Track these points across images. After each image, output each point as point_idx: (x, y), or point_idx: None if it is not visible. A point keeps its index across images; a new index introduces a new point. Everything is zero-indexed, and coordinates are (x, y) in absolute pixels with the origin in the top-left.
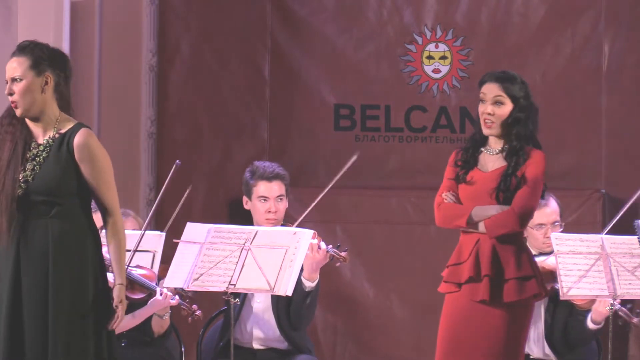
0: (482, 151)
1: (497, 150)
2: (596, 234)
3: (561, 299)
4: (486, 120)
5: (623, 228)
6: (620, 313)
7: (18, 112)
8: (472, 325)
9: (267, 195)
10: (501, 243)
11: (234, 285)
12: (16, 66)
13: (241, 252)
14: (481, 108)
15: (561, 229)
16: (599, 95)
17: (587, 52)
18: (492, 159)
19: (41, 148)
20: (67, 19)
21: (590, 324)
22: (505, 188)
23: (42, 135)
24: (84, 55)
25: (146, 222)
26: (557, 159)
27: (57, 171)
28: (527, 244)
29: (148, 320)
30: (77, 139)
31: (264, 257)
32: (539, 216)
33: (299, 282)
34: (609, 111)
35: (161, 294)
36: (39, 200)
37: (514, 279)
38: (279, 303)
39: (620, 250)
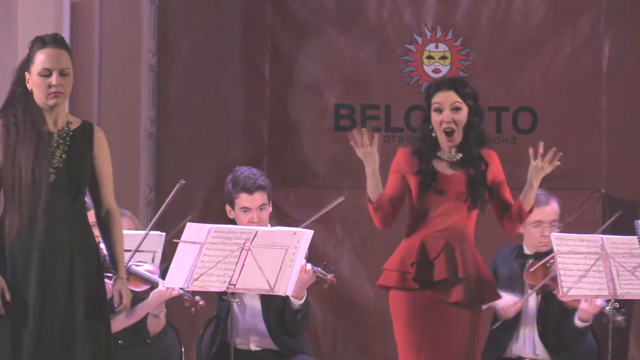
0: (437, 156)
1: (452, 156)
2: (596, 233)
3: (561, 299)
4: (446, 130)
5: (623, 228)
6: (605, 311)
7: (55, 101)
8: (444, 327)
9: (249, 206)
10: (470, 245)
11: (234, 285)
12: (64, 59)
13: (241, 252)
14: (438, 117)
15: (559, 231)
16: (599, 95)
17: (587, 52)
18: (448, 164)
19: (60, 136)
20: (67, 19)
21: (577, 322)
22: (476, 199)
23: (54, 124)
24: (84, 55)
25: (151, 224)
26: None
27: (82, 160)
28: (523, 242)
29: (143, 320)
30: (98, 134)
31: (264, 257)
32: (538, 213)
33: (289, 301)
34: (609, 111)
35: (163, 286)
36: (65, 187)
37: (489, 281)
38: (268, 313)
39: (620, 250)
